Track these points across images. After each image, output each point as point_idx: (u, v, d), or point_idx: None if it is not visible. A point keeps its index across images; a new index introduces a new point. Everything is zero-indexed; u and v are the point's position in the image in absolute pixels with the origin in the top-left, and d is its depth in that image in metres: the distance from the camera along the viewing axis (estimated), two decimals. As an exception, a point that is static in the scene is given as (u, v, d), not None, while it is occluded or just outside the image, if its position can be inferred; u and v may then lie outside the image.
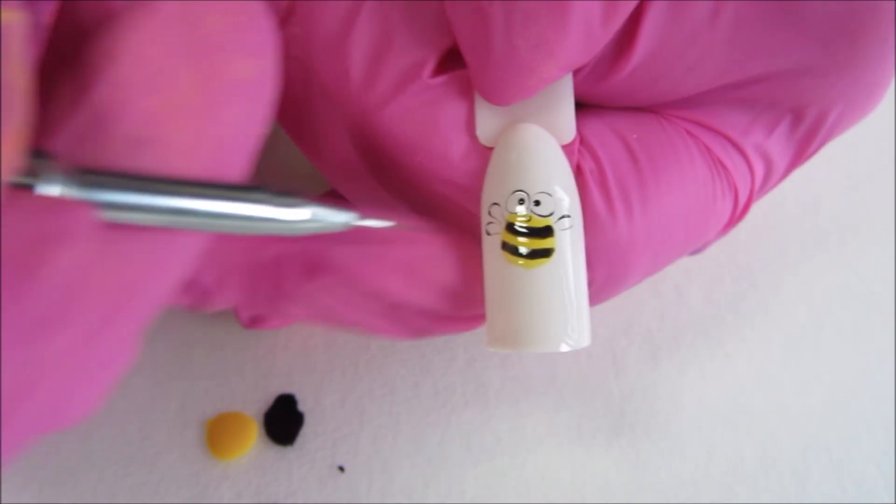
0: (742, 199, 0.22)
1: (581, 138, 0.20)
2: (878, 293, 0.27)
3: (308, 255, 0.19)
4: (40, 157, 0.11)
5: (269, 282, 0.19)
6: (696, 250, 0.24)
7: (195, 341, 0.27)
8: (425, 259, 0.19)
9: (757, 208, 0.28)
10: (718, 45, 0.19)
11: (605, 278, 0.20)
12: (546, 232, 0.18)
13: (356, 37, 0.19)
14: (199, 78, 0.13)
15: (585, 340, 0.19)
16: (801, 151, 0.22)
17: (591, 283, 0.20)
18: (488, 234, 0.19)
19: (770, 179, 0.22)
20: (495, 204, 0.19)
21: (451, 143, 0.19)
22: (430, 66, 0.19)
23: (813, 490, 0.25)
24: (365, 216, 0.17)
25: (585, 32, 0.17)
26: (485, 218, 0.19)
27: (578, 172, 0.19)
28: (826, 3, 0.18)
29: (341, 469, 0.26)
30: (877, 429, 0.26)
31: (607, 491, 0.25)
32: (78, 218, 0.11)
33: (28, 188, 0.11)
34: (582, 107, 0.21)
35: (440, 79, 0.19)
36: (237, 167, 0.14)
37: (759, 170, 0.22)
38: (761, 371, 0.27)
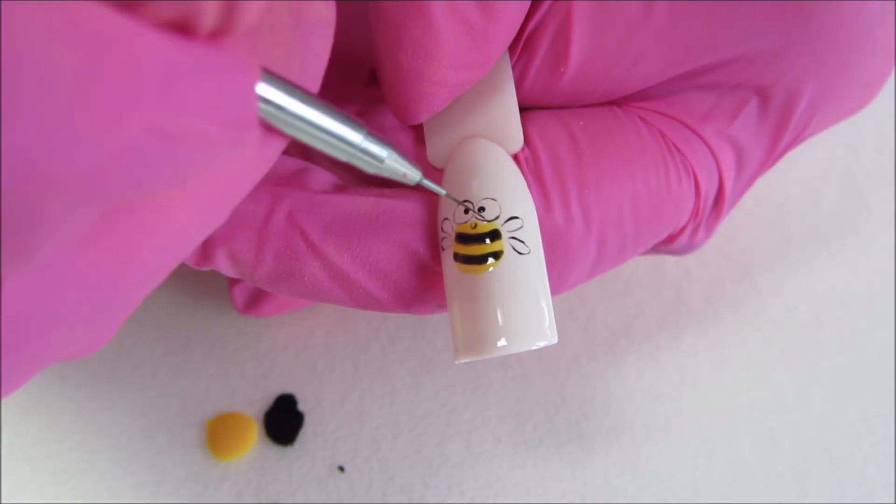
0: (706, 187, 0.21)
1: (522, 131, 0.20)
2: (878, 293, 0.27)
3: (331, 207, 0.19)
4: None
5: (281, 237, 0.19)
6: (686, 248, 0.24)
7: (195, 341, 0.27)
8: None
9: (757, 208, 0.28)
10: (658, 38, 0.19)
11: (547, 265, 0.19)
12: (493, 235, 0.18)
13: None
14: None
15: (550, 337, 0.18)
16: (779, 134, 0.21)
17: None
18: (443, 249, 0.19)
19: (746, 166, 0.22)
20: (446, 219, 0.19)
21: None
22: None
23: (813, 490, 0.25)
24: (429, 178, 0.18)
25: (462, 27, 0.17)
26: (439, 234, 0.19)
27: (514, 161, 0.19)
28: None
29: (341, 469, 0.26)
30: (877, 429, 0.26)
31: (607, 491, 0.25)
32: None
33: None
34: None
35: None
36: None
37: (727, 156, 0.21)
38: (761, 371, 0.27)
